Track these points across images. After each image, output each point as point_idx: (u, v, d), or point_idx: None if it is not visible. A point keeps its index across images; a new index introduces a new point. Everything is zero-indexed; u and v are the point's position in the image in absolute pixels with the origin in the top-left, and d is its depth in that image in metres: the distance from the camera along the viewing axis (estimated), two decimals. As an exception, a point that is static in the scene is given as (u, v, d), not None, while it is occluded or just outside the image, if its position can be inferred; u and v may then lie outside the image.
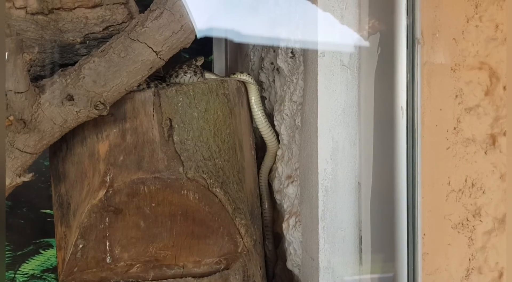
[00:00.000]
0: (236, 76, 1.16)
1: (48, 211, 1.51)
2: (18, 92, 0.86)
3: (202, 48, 0.98)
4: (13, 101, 0.87)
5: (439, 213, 0.93)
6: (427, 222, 0.91)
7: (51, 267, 1.53)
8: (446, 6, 0.91)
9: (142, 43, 0.90)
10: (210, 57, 1.62)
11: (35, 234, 1.52)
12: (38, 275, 1.53)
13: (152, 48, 0.90)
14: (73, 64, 0.94)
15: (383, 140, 0.95)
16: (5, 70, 0.85)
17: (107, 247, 0.97)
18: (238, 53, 1.53)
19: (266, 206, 1.27)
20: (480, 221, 0.95)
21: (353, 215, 1.03)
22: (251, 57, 1.36)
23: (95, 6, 0.96)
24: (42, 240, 1.52)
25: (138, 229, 0.98)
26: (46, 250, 1.53)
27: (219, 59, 1.65)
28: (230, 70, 1.60)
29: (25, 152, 0.92)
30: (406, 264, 0.89)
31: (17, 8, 0.93)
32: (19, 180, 0.94)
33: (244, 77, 1.16)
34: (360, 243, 1.03)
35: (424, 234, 0.91)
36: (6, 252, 1.50)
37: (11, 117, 0.88)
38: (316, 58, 0.99)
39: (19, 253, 1.51)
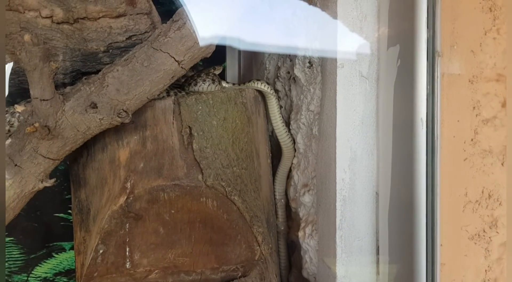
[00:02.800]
0: (253, 85, 1.16)
1: (61, 214, 1.52)
2: (44, 100, 0.87)
3: (214, 55, 0.98)
4: (39, 108, 0.88)
5: (456, 223, 0.93)
6: (444, 232, 0.91)
7: (63, 270, 1.54)
8: (464, 18, 0.92)
9: (164, 52, 0.91)
10: (223, 64, 1.62)
11: (48, 237, 1.53)
12: (51, 278, 1.54)
13: (174, 58, 0.91)
14: (96, 73, 0.96)
15: (402, 151, 0.95)
16: (31, 78, 0.86)
17: (127, 253, 0.98)
18: (253, 61, 1.53)
19: (280, 214, 1.27)
20: (497, 232, 0.94)
21: (370, 225, 1.03)
22: (267, 65, 1.37)
23: (119, 16, 0.97)
24: (55, 243, 1.53)
25: (158, 235, 0.99)
26: (58, 254, 1.53)
27: (232, 67, 1.64)
28: (244, 78, 1.60)
29: (48, 157, 0.93)
30: (425, 274, 0.89)
31: (43, 18, 0.94)
32: (41, 185, 0.95)
33: (261, 86, 1.16)
34: (378, 253, 1.03)
35: (441, 245, 0.91)
36: (19, 255, 1.51)
37: (36, 124, 0.89)
38: (335, 68, 1.01)
39: (32, 256, 1.52)
